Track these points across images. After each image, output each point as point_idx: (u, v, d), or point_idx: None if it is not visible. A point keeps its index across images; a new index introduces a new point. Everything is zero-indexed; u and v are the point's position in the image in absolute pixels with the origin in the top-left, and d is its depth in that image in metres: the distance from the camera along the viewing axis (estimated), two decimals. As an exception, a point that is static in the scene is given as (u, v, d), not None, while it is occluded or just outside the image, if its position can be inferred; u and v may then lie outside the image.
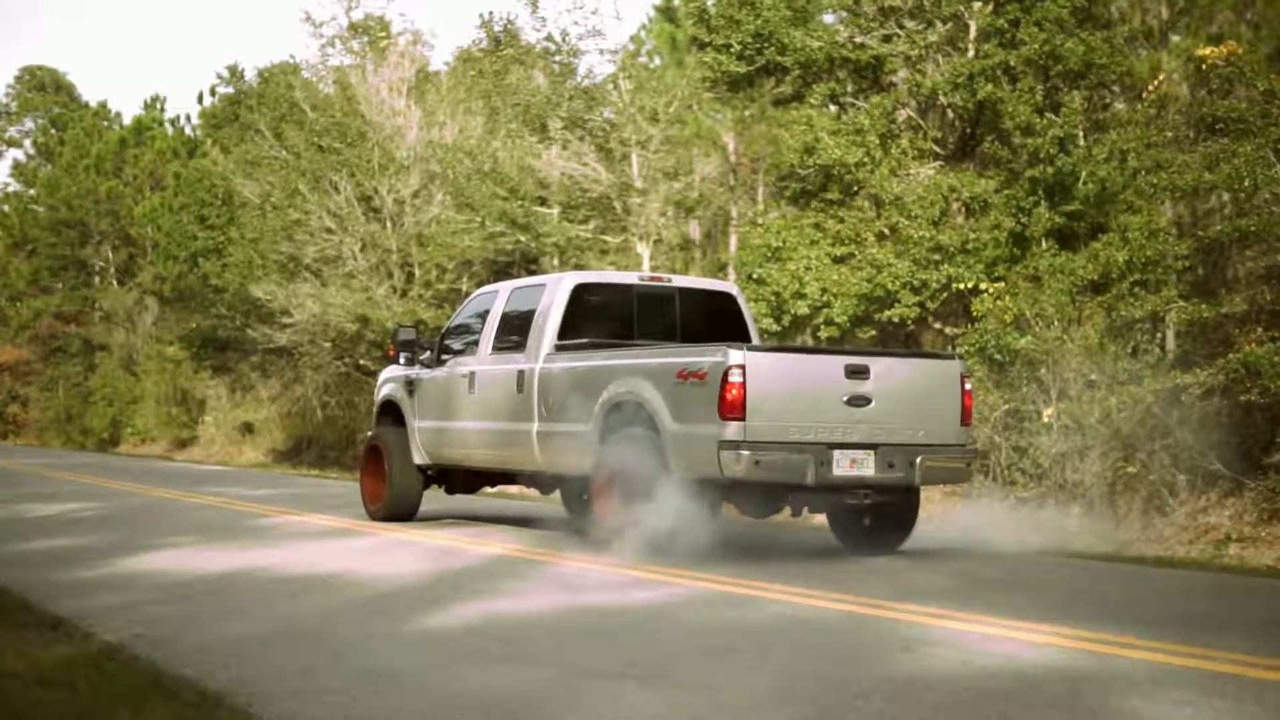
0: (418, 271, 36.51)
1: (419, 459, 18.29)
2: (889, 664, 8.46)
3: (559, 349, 15.98)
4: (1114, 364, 20.99)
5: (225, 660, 8.75)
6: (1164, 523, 19.13)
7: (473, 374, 17.18)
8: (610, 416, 14.68)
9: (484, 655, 8.87)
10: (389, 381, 19.22)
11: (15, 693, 7.90)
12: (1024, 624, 9.76)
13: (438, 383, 17.96)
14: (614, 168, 31.13)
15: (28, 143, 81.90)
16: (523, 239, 31.58)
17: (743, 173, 31.72)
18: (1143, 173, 21.98)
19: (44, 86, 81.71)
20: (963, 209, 25.31)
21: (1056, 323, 21.79)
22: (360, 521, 18.54)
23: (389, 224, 36.94)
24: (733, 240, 30.43)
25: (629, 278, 17.61)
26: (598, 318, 16.32)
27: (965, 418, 14.47)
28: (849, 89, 27.78)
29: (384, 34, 41.36)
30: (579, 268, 29.45)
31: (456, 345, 17.87)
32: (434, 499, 19.72)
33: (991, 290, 23.49)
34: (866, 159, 25.40)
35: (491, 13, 39.01)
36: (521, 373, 16.17)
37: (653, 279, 17.34)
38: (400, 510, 18.42)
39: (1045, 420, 21.47)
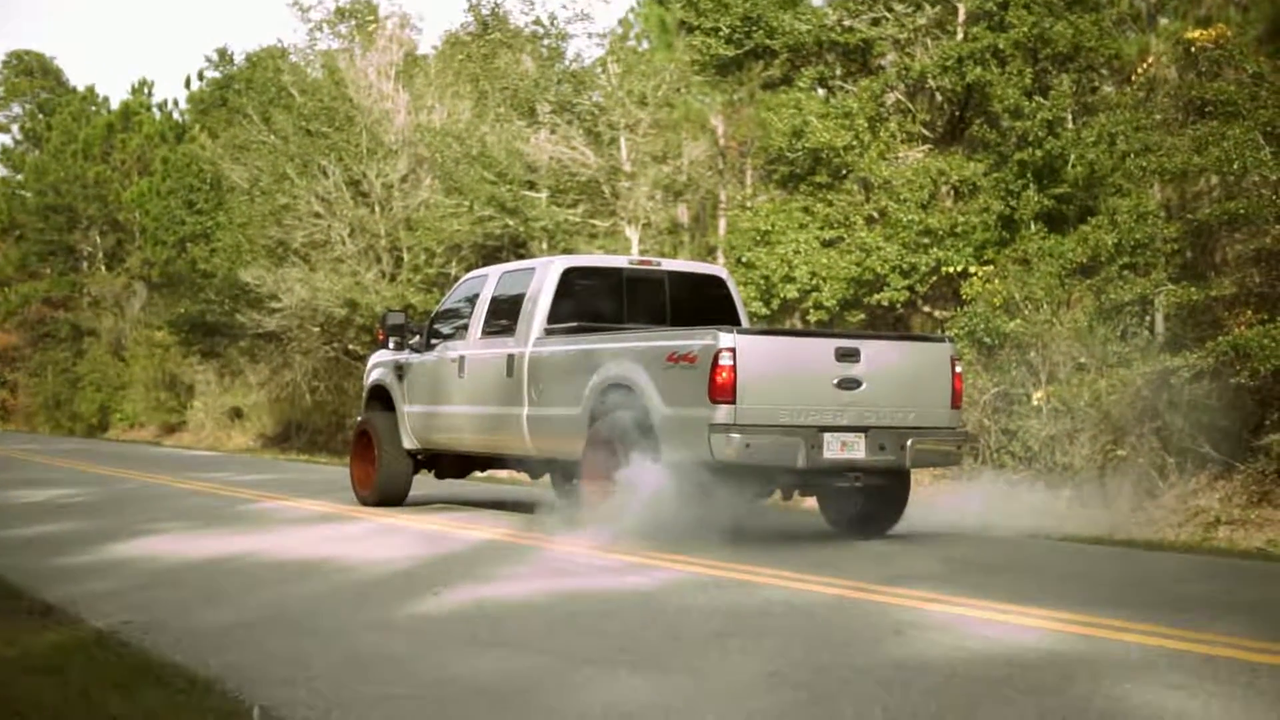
0: (406, 256, 36.48)
1: (409, 444, 18.26)
2: (881, 648, 8.44)
3: (549, 333, 15.97)
4: (1103, 347, 20.99)
5: (215, 646, 8.71)
6: (1154, 505, 19.12)
7: (462, 358, 17.16)
8: (600, 400, 14.67)
9: (474, 641, 8.85)
10: (378, 366, 19.19)
11: (5, 680, 7.86)
12: (1016, 607, 9.74)
13: (427, 367, 17.93)
14: (602, 151, 31.11)
15: (15, 128, 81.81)
16: (511, 223, 31.57)
17: (731, 156, 31.70)
18: (1131, 156, 21.97)
19: (31, 71, 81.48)
20: (951, 192, 25.32)
21: (1046, 306, 21.79)
22: (350, 506, 18.51)
23: (377, 208, 36.92)
24: (722, 224, 30.43)
25: (618, 261, 17.59)
26: (587, 301, 16.29)
27: (956, 400, 14.47)
28: (838, 72, 27.75)
29: (371, 18, 41.32)
30: (568, 252, 29.43)
31: (446, 329, 17.85)
32: (424, 484, 19.67)
33: (980, 273, 23.49)
34: (855, 142, 25.40)
35: (479, -4, 38.82)
36: (511, 357, 16.15)
37: (642, 263, 17.32)
38: (390, 495, 18.39)
39: (1035, 403, 21.47)
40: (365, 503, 18.62)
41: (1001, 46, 24.18)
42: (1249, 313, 20.54)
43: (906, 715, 6.83)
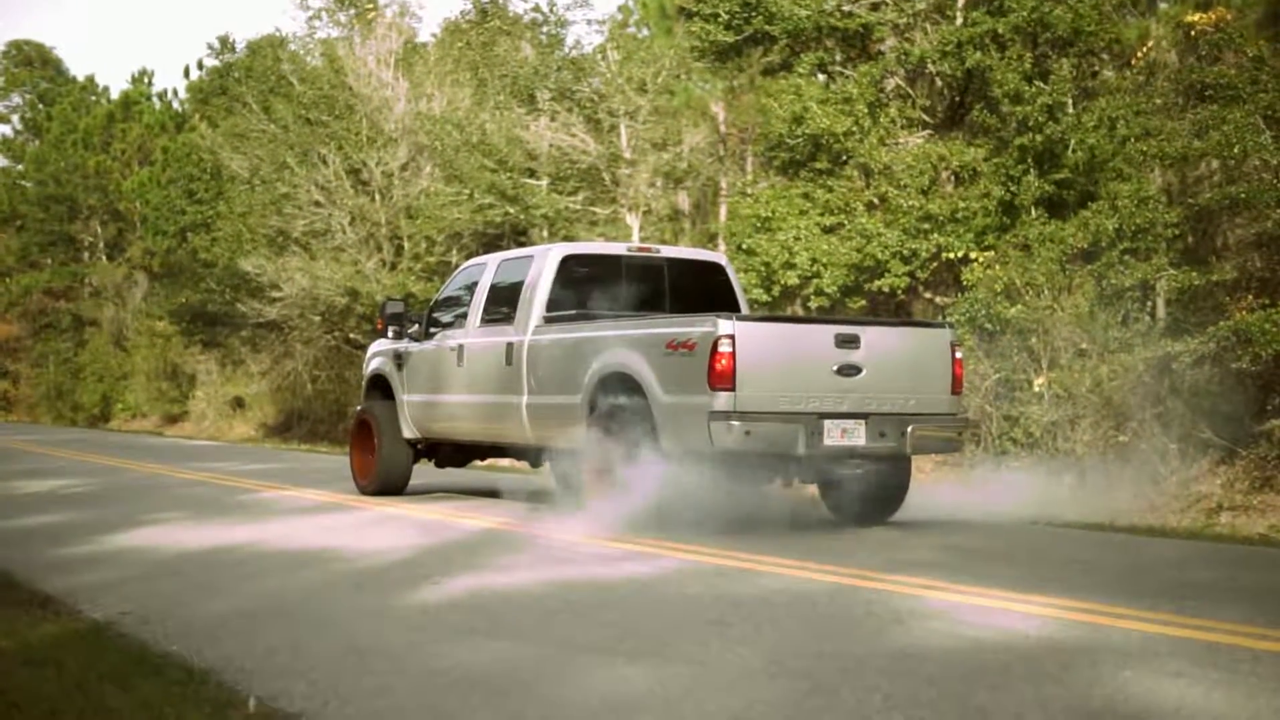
0: (407, 244, 36.43)
1: (408, 433, 18.25)
2: (882, 637, 8.42)
3: (548, 321, 15.93)
4: (1104, 332, 20.94)
5: (212, 637, 8.71)
6: (1155, 491, 19.07)
7: (461, 347, 17.13)
8: (599, 388, 14.64)
9: (472, 631, 8.82)
10: (378, 355, 19.18)
11: (2, 671, 7.84)
12: (1017, 595, 9.72)
13: (426, 356, 17.91)
14: (602, 139, 31.06)
15: (15, 118, 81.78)
16: (511, 211, 31.51)
17: (732, 143, 31.65)
18: (1131, 140, 21.92)
19: (31, 61, 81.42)
20: (952, 178, 25.27)
21: (1047, 291, 21.73)
22: (350, 496, 18.51)
23: (378, 197, 36.86)
24: (723, 211, 30.37)
25: (617, 249, 17.56)
26: (586, 289, 16.25)
27: (956, 386, 14.44)
28: (837, 58, 27.68)
29: (371, 6, 41.28)
30: (568, 239, 29.37)
31: (445, 318, 17.83)
32: (424, 472, 19.65)
33: (981, 259, 23.43)
34: (855, 128, 25.33)
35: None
36: (510, 345, 16.12)
37: (641, 250, 17.29)
38: (390, 485, 18.38)
39: (1036, 389, 21.44)
40: (365, 492, 18.60)
41: (1001, 31, 24.12)
42: (1250, 297, 20.52)
43: (906, 704, 6.79)
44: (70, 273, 66.75)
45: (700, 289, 16.74)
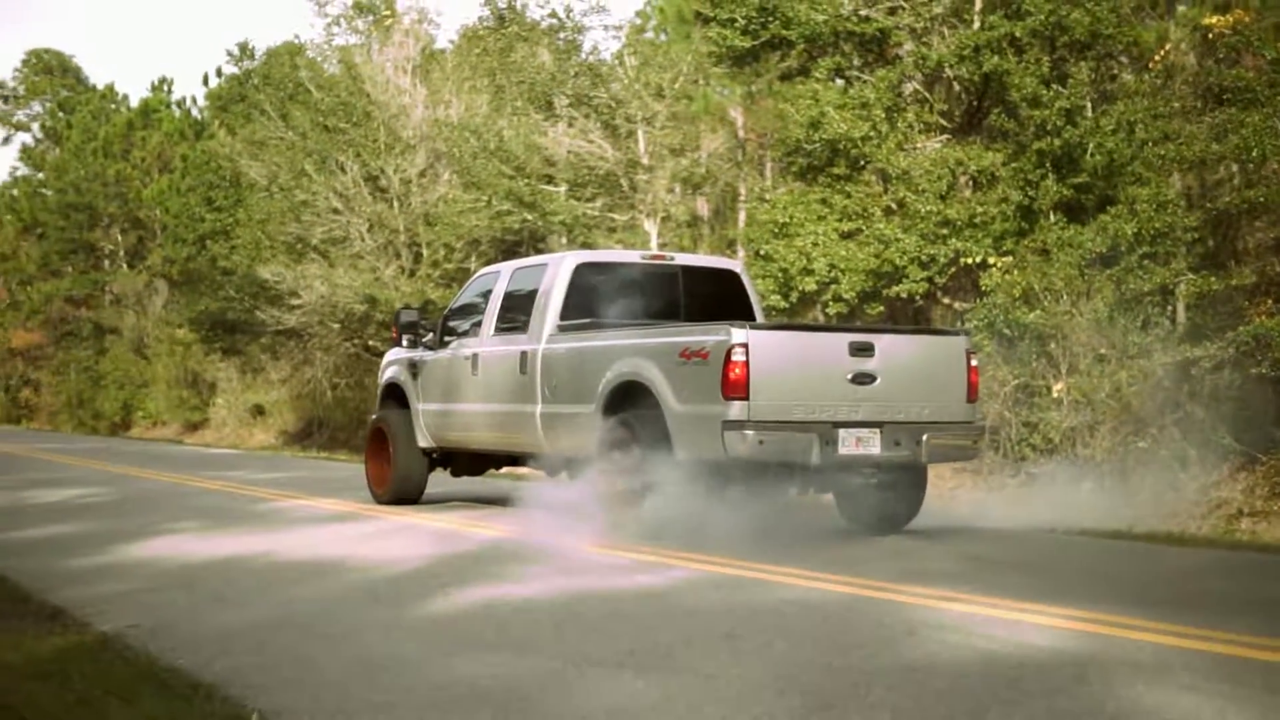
0: (425, 251, 36.43)
1: (423, 442, 18.21)
2: (892, 649, 8.34)
3: (561, 329, 15.87)
4: (1124, 338, 20.85)
5: (221, 650, 8.66)
6: (1175, 498, 19.02)
7: (475, 355, 17.08)
8: (613, 397, 14.58)
9: (482, 643, 8.76)
10: (393, 364, 19.14)
11: (7, 686, 7.81)
12: (1030, 605, 9.63)
13: (441, 365, 17.86)
14: (620, 145, 31.01)
15: (35, 126, 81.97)
16: (530, 217, 31.48)
17: (751, 148, 31.60)
18: (1149, 144, 21.82)
19: (51, 70, 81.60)
20: (970, 182, 25.15)
21: (1065, 296, 21.64)
22: (365, 505, 18.46)
23: (396, 204, 36.85)
24: (741, 216, 30.32)
25: (631, 256, 17.52)
26: (600, 297, 16.16)
27: (971, 394, 14.36)
28: (855, 63, 27.58)
29: (389, 13, 41.28)
30: (586, 246, 29.35)
31: (459, 326, 17.78)
32: (440, 481, 19.60)
33: (1000, 264, 23.33)
34: (872, 133, 25.24)
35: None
36: (524, 354, 16.07)
37: (655, 258, 17.25)
38: (405, 494, 18.34)
39: (1055, 395, 21.36)
40: (381, 501, 18.56)
41: (1018, 35, 24.01)
42: (1270, 302, 20.44)
43: None
44: (91, 281, 66.85)
45: (715, 297, 16.66)
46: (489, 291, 17.42)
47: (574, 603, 10.21)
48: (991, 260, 23.55)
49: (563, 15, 35.58)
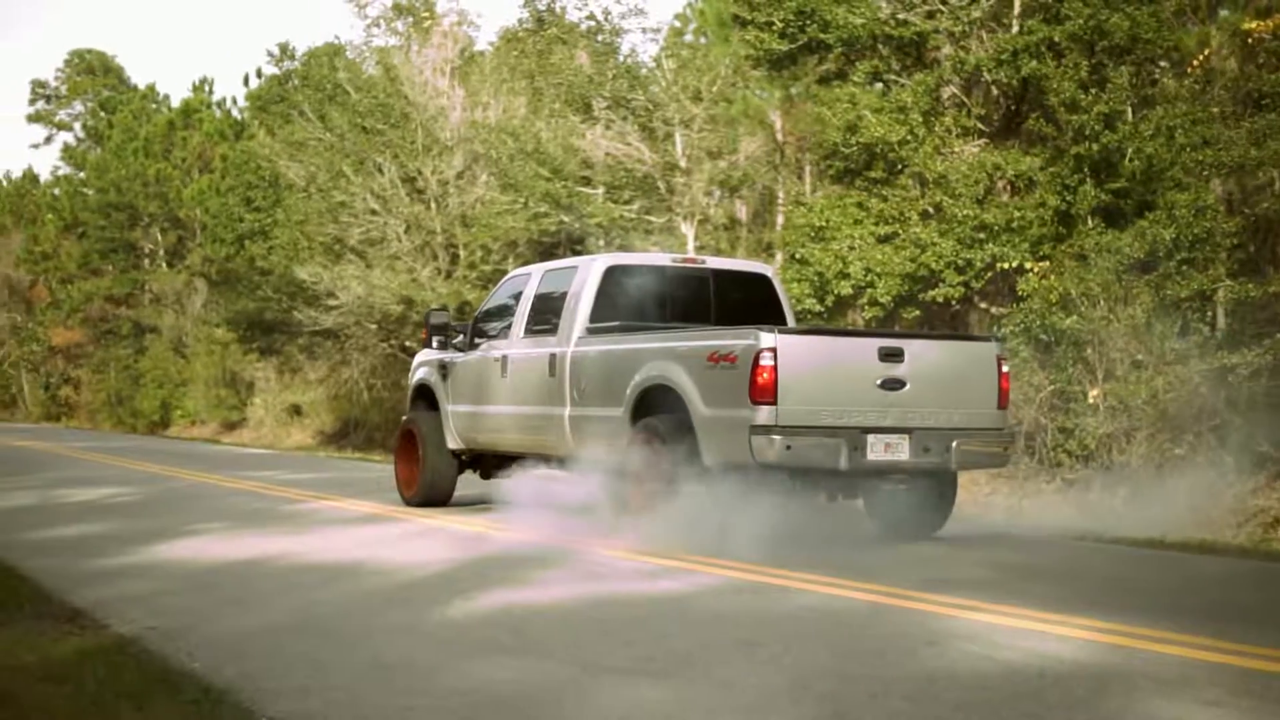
0: (462, 253, 36.44)
1: (453, 444, 18.14)
2: (912, 659, 8.25)
3: (591, 332, 15.79)
4: (1161, 344, 20.69)
5: (237, 653, 8.62)
6: (1211, 505, 18.83)
7: (505, 358, 17.01)
8: (641, 400, 14.50)
9: (500, 649, 8.70)
10: (423, 365, 19.08)
11: (20, 688, 7.78)
12: (1055, 616, 9.52)
13: (471, 366, 17.80)
14: (657, 147, 30.95)
15: (77, 126, 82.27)
16: (566, 220, 31.44)
17: (790, 151, 31.50)
18: (1188, 149, 21.64)
19: (93, 70, 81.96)
20: (1007, 187, 25.00)
21: (1102, 302, 21.49)
22: (394, 507, 18.41)
23: (433, 205, 36.89)
24: (779, 220, 30.23)
25: (662, 259, 17.44)
26: (630, 300, 16.08)
27: (1002, 400, 14.24)
28: (893, 66, 27.44)
29: (428, 14, 41.29)
30: (623, 248, 29.29)
31: (490, 328, 17.71)
32: (470, 483, 19.51)
33: (1036, 269, 23.18)
34: (910, 137, 25.10)
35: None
36: (553, 356, 15.99)
37: (686, 261, 17.15)
38: (434, 495, 18.27)
39: (1091, 401, 21.21)
40: (410, 503, 18.50)
41: (1057, 39, 23.85)
42: (1309, 309, 20.26)
43: (930, 732, 6.65)
44: (131, 280, 67.03)
45: (746, 300, 16.56)
46: (519, 293, 17.34)
47: (594, 608, 10.14)
48: (1028, 265, 23.39)
49: (601, 18, 35.57)
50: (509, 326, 17.24)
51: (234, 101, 66.72)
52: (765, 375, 13.04)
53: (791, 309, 17.33)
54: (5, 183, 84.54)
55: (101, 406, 68.91)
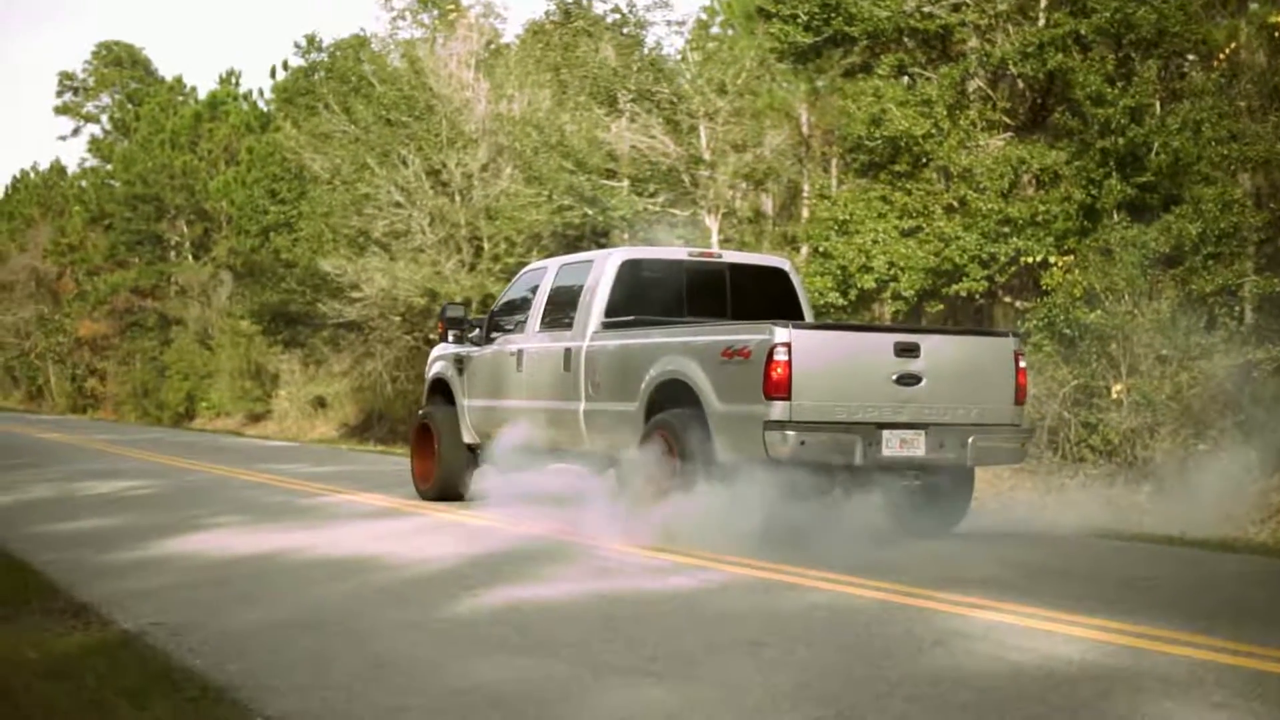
0: (486, 245, 36.38)
1: (468, 438, 18.08)
2: (919, 659, 8.16)
3: (606, 326, 15.70)
4: (1185, 339, 20.57)
5: (240, 650, 8.57)
6: (1235, 501, 18.72)
7: (521, 352, 16.94)
8: (655, 395, 14.42)
9: (504, 646, 8.63)
10: (439, 359, 19.04)
11: (21, 685, 7.76)
12: (1065, 615, 9.42)
13: (486, 361, 17.73)
14: (682, 140, 30.88)
15: (104, 118, 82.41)
16: (590, 212, 31.39)
17: (816, 145, 31.41)
18: (1214, 143, 21.51)
19: (120, 62, 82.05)
20: (1032, 181, 24.88)
21: (1127, 296, 21.37)
22: (409, 501, 18.36)
23: (457, 198, 36.83)
24: (805, 213, 30.15)
25: (678, 253, 17.34)
26: (646, 295, 15.98)
27: (1019, 396, 14.12)
28: (918, 59, 27.32)
29: (453, 7, 41.27)
30: (647, 242, 29.22)
31: (505, 322, 17.62)
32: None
33: (1061, 263, 23.06)
34: (935, 130, 24.99)
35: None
36: (568, 350, 15.91)
37: (703, 255, 17.06)
38: (450, 489, 18.20)
39: (1115, 396, 21.11)
40: (425, 497, 18.44)
41: (1084, 32, 23.73)
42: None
43: (931, 735, 6.56)
44: (157, 272, 67.03)
45: (763, 295, 16.43)
46: (535, 287, 17.27)
47: (603, 605, 10.06)
48: (1053, 259, 23.29)
49: (625, 10, 35.50)
50: (525, 321, 17.16)
51: (260, 94, 66.80)
52: (779, 370, 12.94)
53: (809, 303, 17.20)
54: (33, 175, 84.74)
55: (127, 398, 68.97)
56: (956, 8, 26.30)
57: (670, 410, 14.15)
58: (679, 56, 33.15)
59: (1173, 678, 7.66)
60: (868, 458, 13.23)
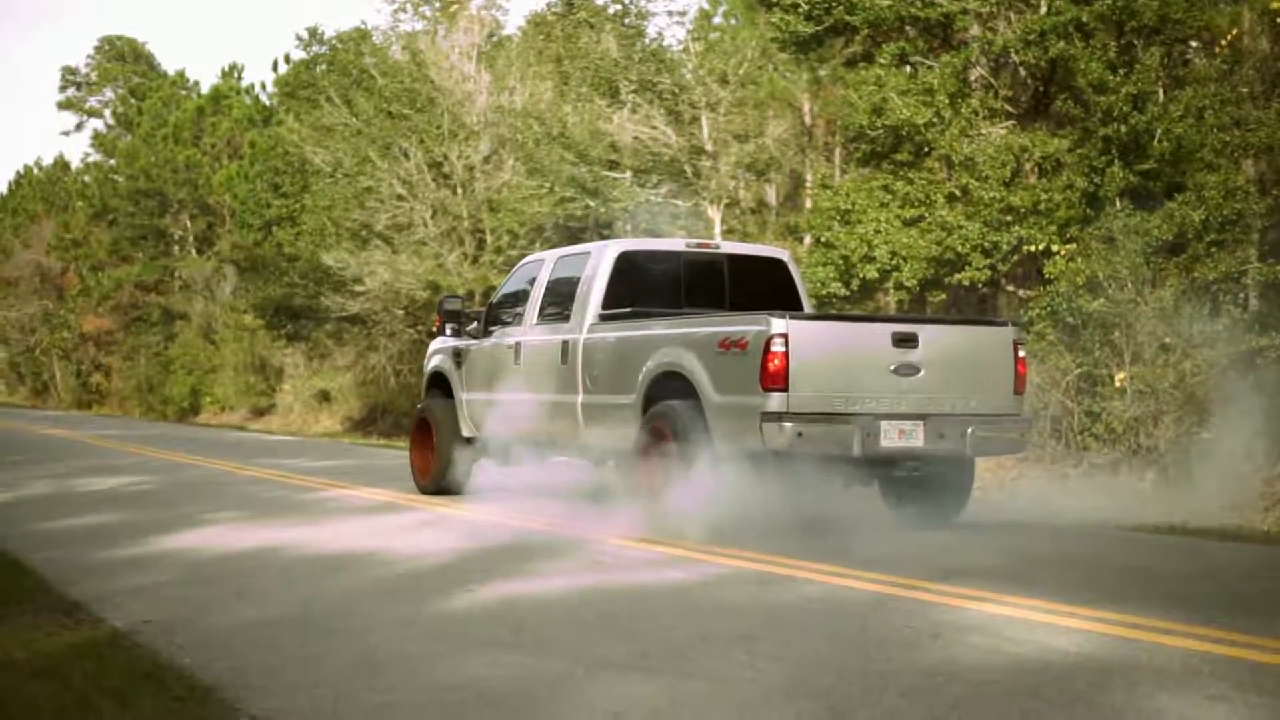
0: (489, 238, 36.32)
1: (467, 431, 18.00)
2: (914, 653, 8.08)
3: (603, 319, 15.62)
4: (1189, 326, 20.47)
5: (229, 648, 8.50)
6: (1239, 489, 18.62)
7: (518, 345, 16.88)
8: (653, 388, 14.35)
9: (496, 643, 8.55)
10: (438, 353, 19.00)
11: (8, 685, 7.68)
12: (1063, 606, 9.34)
13: (484, 354, 17.67)
14: (684, 131, 30.81)
15: (107, 113, 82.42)
16: (593, 204, 31.33)
17: (819, 134, 31.33)
18: (1216, 130, 21.40)
19: (123, 56, 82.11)
20: (1035, 169, 24.74)
21: (1130, 284, 21.27)
22: (408, 495, 18.31)
23: (459, 190, 36.79)
24: (809, 204, 30.08)
25: (675, 245, 17.24)
26: (644, 286, 15.91)
27: (1019, 386, 14.05)
28: (920, 48, 27.19)
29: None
30: (650, 233, 29.18)
31: (503, 315, 17.58)
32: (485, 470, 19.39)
33: (1064, 252, 22.95)
34: (936, 119, 24.86)
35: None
36: (565, 343, 15.85)
37: (700, 246, 16.97)
38: (449, 483, 18.12)
39: (1118, 385, 21.01)
40: (425, 491, 18.39)
41: (1086, 20, 23.57)
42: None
43: (924, 730, 6.48)
44: (160, 266, 67.02)
45: (761, 285, 16.35)
46: (533, 279, 17.21)
47: (598, 600, 9.99)
48: (1055, 248, 23.15)
49: (627, 1, 35.46)
50: (522, 313, 17.10)
51: (263, 87, 66.73)
52: (776, 362, 12.88)
53: (808, 293, 17.13)
54: (37, 170, 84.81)
55: (132, 393, 68.96)
56: (957, -5, 26.18)
57: (668, 402, 14.07)
58: (681, 47, 33.08)
59: (1170, 670, 7.60)
60: (866, 449, 13.15)
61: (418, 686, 7.44)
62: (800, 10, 27.19)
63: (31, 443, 34.59)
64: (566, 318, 16.06)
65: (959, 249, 23.92)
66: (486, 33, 39.84)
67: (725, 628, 8.89)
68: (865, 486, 14.65)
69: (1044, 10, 24.87)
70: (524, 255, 33.90)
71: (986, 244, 23.76)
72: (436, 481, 18.20)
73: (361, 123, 38.32)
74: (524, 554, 12.45)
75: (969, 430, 13.56)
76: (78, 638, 8.89)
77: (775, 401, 12.91)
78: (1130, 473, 19.81)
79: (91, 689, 7.49)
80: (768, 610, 9.54)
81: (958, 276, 24.25)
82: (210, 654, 8.28)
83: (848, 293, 25.06)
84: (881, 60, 26.21)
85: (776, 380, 12.89)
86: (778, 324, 12.97)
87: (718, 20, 39.22)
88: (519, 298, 17.39)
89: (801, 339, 13.01)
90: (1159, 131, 22.24)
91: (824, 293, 24.47)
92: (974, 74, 26.08)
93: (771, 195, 33.72)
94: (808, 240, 27.68)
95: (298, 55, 60.04)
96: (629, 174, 31.62)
